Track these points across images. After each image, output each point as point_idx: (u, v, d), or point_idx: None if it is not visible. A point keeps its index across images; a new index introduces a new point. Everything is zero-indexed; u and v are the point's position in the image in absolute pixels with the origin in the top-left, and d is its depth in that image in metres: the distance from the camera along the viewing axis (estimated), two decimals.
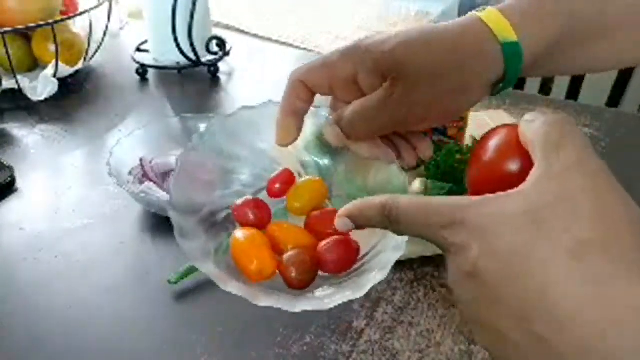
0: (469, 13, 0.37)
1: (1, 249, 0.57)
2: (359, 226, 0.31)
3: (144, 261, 0.55)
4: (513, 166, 0.27)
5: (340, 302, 0.34)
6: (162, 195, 0.59)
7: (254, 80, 0.92)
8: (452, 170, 0.58)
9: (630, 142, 0.71)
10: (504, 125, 0.31)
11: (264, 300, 0.34)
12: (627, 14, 0.37)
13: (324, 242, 0.38)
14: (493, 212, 0.24)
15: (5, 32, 0.78)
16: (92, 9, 0.83)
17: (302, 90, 0.38)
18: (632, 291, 0.22)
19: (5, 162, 0.67)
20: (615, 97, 1.25)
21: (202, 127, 0.67)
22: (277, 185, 0.41)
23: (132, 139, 0.64)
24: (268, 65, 0.98)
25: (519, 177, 0.26)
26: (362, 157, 0.39)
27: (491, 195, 0.25)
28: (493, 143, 0.29)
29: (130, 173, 0.62)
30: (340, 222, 0.31)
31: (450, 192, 0.57)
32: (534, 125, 0.27)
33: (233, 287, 0.34)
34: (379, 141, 0.39)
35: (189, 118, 0.67)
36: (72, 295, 0.51)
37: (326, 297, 0.36)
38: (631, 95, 1.29)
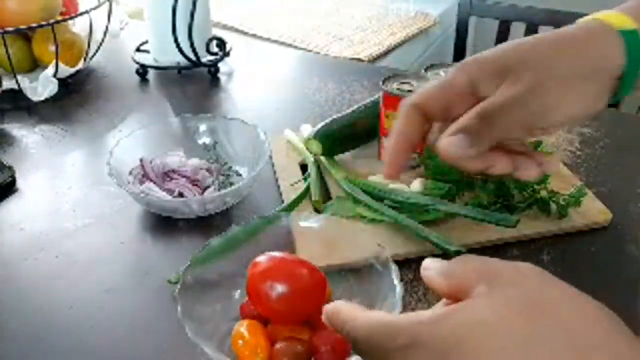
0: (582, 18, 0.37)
1: (1, 249, 0.57)
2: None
3: (144, 261, 0.56)
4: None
5: None
6: (162, 195, 0.59)
7: (254, 81, 0.92)
8: (451, 170, 0.58)
9: (630, 142, 0.71)
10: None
11: None
12: None
13: (319, 333, 0.40)
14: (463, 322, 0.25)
15: (5, 33, 0.78)
16: (92, 9, 0.83)
17: (417, 117, 0.38)
18: None
19: (5, 162, 0.67)
20: None
21: (202, 127, 0.67)
22: None
23: (132, 139, 0.64)
24: (268, 66, 0.98)
25: None
26: (475, 172, 0.38)
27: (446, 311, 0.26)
28: None
29: (130, 173, 0.62)
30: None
31: (448, 192, 0.57)
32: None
33: None
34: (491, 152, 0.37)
35: (189, 118, 0.67)
36: (72, 295, 0.51)
37: None
38: (631, 95, 1.29)
